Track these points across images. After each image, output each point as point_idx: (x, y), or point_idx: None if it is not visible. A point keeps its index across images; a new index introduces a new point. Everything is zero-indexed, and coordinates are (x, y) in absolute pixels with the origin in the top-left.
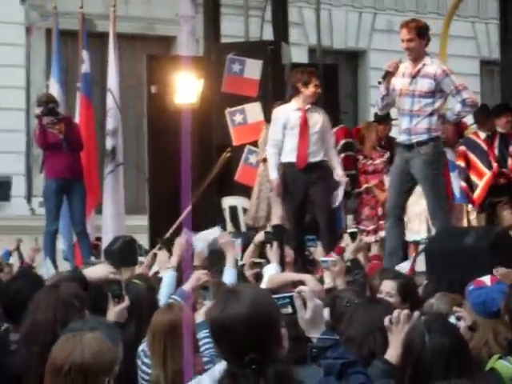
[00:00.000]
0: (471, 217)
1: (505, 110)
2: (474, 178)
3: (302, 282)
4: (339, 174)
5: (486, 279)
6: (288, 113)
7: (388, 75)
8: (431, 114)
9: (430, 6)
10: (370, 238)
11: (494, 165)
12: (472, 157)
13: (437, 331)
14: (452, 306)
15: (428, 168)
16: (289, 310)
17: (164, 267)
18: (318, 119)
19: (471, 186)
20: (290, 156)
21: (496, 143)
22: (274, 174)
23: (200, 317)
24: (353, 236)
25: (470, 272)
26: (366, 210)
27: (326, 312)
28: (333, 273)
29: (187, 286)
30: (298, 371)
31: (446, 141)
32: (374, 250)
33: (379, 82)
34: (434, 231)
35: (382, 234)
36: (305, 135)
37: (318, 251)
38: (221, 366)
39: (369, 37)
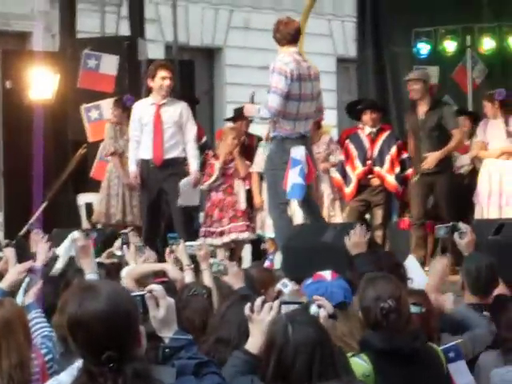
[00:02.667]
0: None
1: (370, 106)
2: (349, 171)
3: (163, 272)
4: (191, 170)
5: (326, 274)
6: (143, 108)
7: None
8: None
9: (286, 3)
10: (217, 241)
11: (368, 162)
12: (352, 150)
13: (300, 323)
14: None
15: (266, 165)
16: (139, 309)
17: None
18: (173, 113)
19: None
20: (145, 153)
21: (379, 141)
22: (132, 167)
23: (29, 298)
24: None
25: (326, 270)
26: (216, 212)
27: None
28: (198, 257)
29: (4, 284)
30: (157, 370)
31: None
32: (220, 255)
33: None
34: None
35: (227, 238)
36: (158, 132)
37: (179, 249)
38: (79, 364)
39: (225, 34)
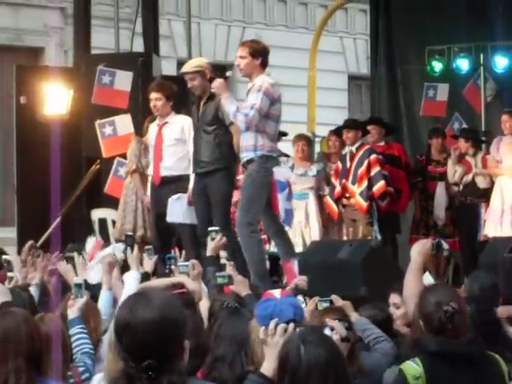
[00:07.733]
0: None
1: (344, 126)
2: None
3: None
4: (189, 187)
5: (276, 292)
6: (151, 130)
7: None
8: (256, 131)
9: (299, 20)
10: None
11: (343, 181)
12: (339, 170)
13: (312, 343)
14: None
15: (244, 183)
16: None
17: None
18: (175, 129)
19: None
20: (151, 170)
21: (356, 158)
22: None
23: (73, 313)
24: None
25: (341, 286)
26: None
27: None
28: (191, 276)
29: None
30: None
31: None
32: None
33: None
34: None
35: None
36: (157, 151)
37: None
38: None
39: (237, 50)
